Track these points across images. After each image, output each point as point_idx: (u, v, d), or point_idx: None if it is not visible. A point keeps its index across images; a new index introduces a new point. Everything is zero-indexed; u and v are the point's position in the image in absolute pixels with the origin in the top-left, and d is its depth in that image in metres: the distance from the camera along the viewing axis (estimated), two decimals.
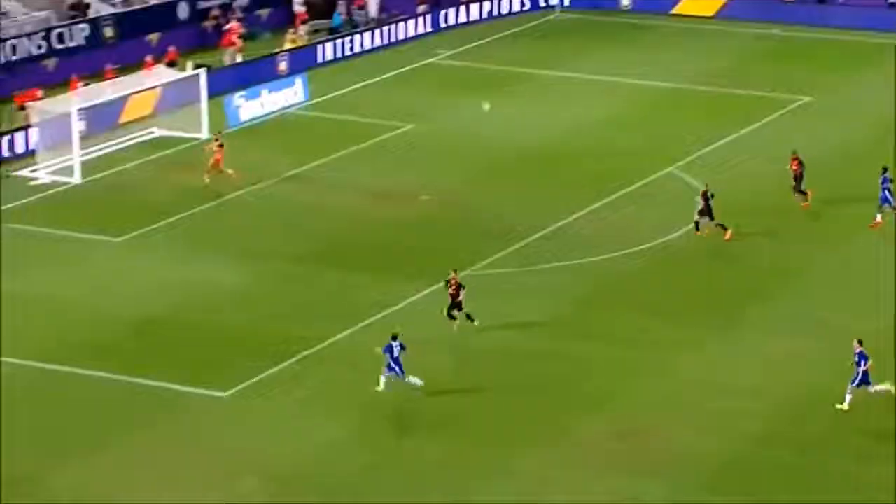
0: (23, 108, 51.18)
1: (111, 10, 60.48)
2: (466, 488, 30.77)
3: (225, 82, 55.23)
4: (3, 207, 45.76)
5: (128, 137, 51.52)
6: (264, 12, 64.74)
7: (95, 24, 58.95)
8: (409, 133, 53.49)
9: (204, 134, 51.99)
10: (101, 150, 50.11)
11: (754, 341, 36.45)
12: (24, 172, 48.55)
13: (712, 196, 43.04)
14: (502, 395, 34.60)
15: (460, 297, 37.36)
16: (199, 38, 62.06)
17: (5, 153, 49.19)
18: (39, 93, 51.93)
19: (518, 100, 57.00)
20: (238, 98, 54.29)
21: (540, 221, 44.82)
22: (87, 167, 48.57)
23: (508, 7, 67.93)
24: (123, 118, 51.80)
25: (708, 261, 42.41)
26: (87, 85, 52.49)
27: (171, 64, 55.53)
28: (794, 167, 45.02)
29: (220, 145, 47.70)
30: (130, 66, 55.51)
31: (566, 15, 68.66)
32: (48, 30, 57.41)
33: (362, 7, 65.82)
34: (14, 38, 56.35)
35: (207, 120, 52.24)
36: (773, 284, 40.58)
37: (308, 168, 49.70)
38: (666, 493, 30.54)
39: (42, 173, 48.41)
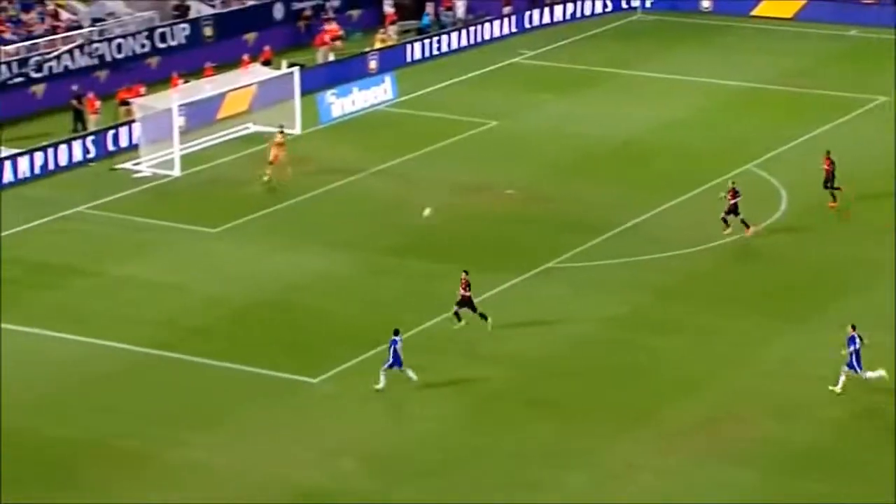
0: (126, 103, 52.61)
1: (210, 11, 61.81)
2: (558, 471, 31.65)
3: (317, 80, 56.43)
4: (109, 199, 47.26)
5: (225, 133, 52.80)
6: (355, 13, 65.89)
7: (195, 24, 60.29)
8: (493, 130, 54.42)
9: (297, 130, 53.26)
10: (199, 144, 51.37)
11: (832, 333, 36.68)
12: (128, 165, 49.95)
13: (739, 194, 43.43)
14: (590, 382, 35.40)
15: (469, 295, 37.49)
16: (293, 37, 63.34)
17: (110, 147, 50.63)
18: (143, 89, 53.38)
19: (599, 98, 57.75)
20: (330, 95, 55.45)
21: (620, 217, 45.65)
22: (187, 161, 49.89)
23: (591, 8, 68.64)
24: (221, 114, 52.92)
25: (784, 255, 42.98)
26: (187, 82, 53.72)
27: (267, 62, 56.69)
28: (826, 166, 45.46)
29: (281, 143, 48.50)
30: (228, 64, 56.87)
31: (647, 16, 69.28)
32: (151, 29, 58.82)
33: (450, 8, 66.83)
34: (119, 37, 57.81)
35: (300, 116, 53.48)
36: (850, 278, 41.04)
37: (396, 163, 50.73)
38: (755, 479, 31.11)
39: (144, 166, 49.75)
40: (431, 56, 62.54)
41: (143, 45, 58.30)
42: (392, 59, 60.40)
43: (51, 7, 58.07)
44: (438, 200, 46.50)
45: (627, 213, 45.90)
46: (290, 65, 55.23)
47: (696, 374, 35.94)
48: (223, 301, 39.84)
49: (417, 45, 62.43)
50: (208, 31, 60.60)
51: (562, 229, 44.90)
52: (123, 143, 50.92)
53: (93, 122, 52.70)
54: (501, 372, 36.09)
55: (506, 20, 65.87)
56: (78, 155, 50.15)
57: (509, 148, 52.26)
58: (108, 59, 56.86)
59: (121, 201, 47.15)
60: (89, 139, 50.74)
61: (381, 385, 34.69)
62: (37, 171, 48.83)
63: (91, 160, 50.33)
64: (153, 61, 58.26)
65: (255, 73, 54.11)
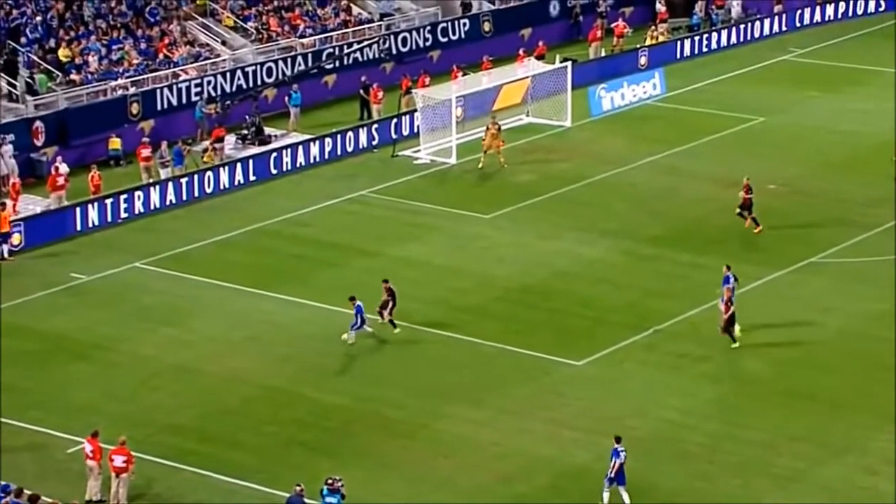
0: (408, 92, 53.36)
1: (490, 7, 62.17)
2: (811, 464, 30.88)
3: (589, 75, 56.14)
4: (390, 183, 48.06)
5: (501, 123, 53.03)
6: (627, 10, 65.30)
7: (475, 19, 60.70)
8: (759, 126, 53.22)
9: (568, 122, 53.13)
10: (475, 134, 51.72)
11: None
12: (408, 152, 50.75)
13: (752, 190, 41.52)
14: (849, 377, 34.33)
15: (387, 300, 36.53)
16: (567, 33, 63.19)
17: (393, 135, 51.49)
18: (427, 80, 54.04)
19: (866, 97, 55.78)
20: (600, 89, 55.17)
21: (884, 215, 44.06)
22: (463, 149, 50.31)
23: (864, 7, 66.35)
24: (497, 105, 52.97)
25: None
26: (465, 75, 54.23)
27: (541, 57, 56.67)
28: (745, 193, 42.63)
29: (494, 133, 48.26)
30: (504, 58, 57.14)
31: None
32: (434, 24, 59.47)
33: (721, 7, 65.59)
34: (405, 31, 58.71)
35: (571, 109, 53.33)
36: None
37: (663, 156, 50.13)
38: None
39: (423, 154, 50.40)
40: (700, 53, 61.54)
41: (426, 40, 58.99)
42: (662, 56, 59.68)
43: (344, 2, 59.32)
44: (702, 193, 45.74)
45: (891, 212, 44.22)
46: (563, 59, 55.10)
47: None
48: (494, 284, 40.04)
49: (687, 42, 61.51)
50: (487, 27, 60.94)
51: (824, 225, 43.63)
52: (405, 131, 51.62)
53: (377, 111, 53.62)
54: (759, 362, 35.30)
55: (776, 18, 64.27)
56: (364, 141, 51.10)
57: (775, 143, 51.05)
58: (394, 52, 57.73)
59: (401, 186, 47.88)
60: (374, 127, 51.62)
61: (351, 340, 35.55)
62: (327, 156, 49.97)
63: (375, 147, 51.24)
64: (435, 54, 58.92)
65: (530, 66, 54.16)
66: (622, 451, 29.43)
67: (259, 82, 53.62)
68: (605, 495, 29.43)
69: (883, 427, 32.11)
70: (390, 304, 36.77)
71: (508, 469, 30.85)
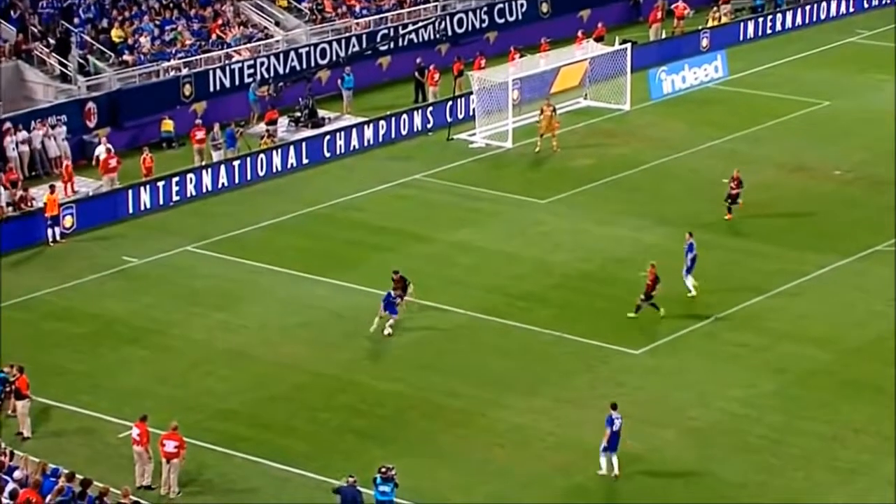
0: (461, 75, 53.25)
1: None
2: (879, 456, 30.65)
3: (649, 57, 55.88)
4: (445, 167, 48.05)
5: (558, 106, 52.81)
6: None
7: (533, 0, 60.48)
8: (825, 109, 52.78)
9: (626, 106, 52.89)
10: (532, 117, 51.55)
11: None
12: (464, 136, 50.68)
13: (741, 183, 41.28)
14: None
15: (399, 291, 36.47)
16: (626, 14, 62.86)
17: (448, 118, 51.42)
18: (482, 62, 53.93)
19: None
20: (661, 72, 54.87)
21: None
22: (519, 133, 50.22)
23: None
24: (554, 88, 52.86)
25: None
26: (522, 56, 54.07)
27: (600, 39, 56.45)
28: (734, 186, 42.18)
29: (549, 115, 48.05)
30: (562, 39, 56.96)
31: None
32: (491, 5, 59.27)
33: None
34: (461, 12, 58.57)
35: (630, 92, 53.07)
36: None
37: (724, 140, 49.82)
38: None
39: (479, 137, 50.35)
40: (764, 35, 61.12)
41: (482, 21, 58.84)
42: (724, 38, 59.31)
43: None
44: (764, 178, 45.41)
45: None
46: (623, 41, 54.84)
47: None
48: (550, 270, 39.96)
49: (751, 24, 61.08)
50: (545, 8, 60.71)
51: (891, 212, 43.15)
52: (461, 114, 51.57)
53: (432, 93, 53.57)
54: (823, 352, 35.03)
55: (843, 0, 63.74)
56: (418, 124, 51.10)
57: (841, 128, 50.64)
58: (450, 33, 57.63)
59: (456, 170, 47.87)
60: (429, 110, 51.62)
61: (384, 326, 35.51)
62: (380, 139, 50.01)
63: (430, 131, 51.22)
64: (491, 36, 58.78)
65: (589, 48, 53.95)
66: (617, 418, 29.55)
67: (313, 64, 53.74)
68: (602, 461, 29.51)
69: None
70: (403, 294, 36.43)
71: (565, 460, 30.81)
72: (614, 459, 29.76)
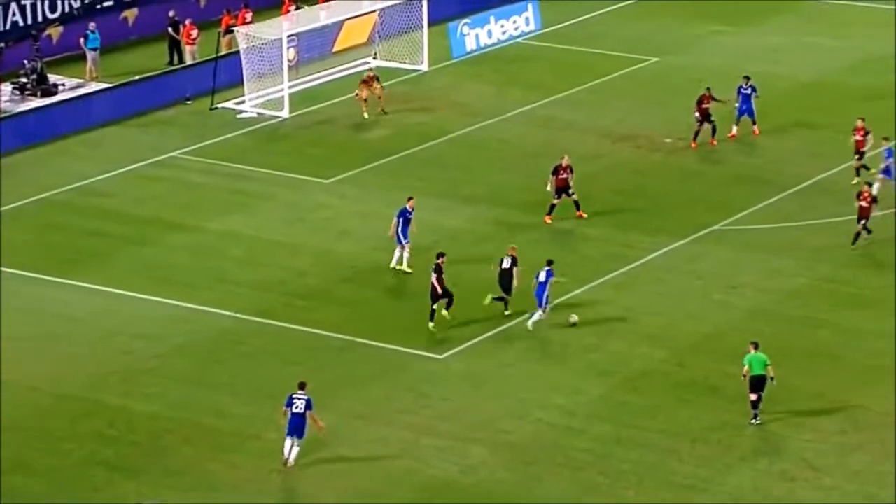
0: (229, 32, 52.95)
1: None
2: (720, 470, 31.35)
3: (449, 8, 56.33)
4: (208, 142, 47.73)
5: (341, 67, 52.97)
6: None
7: None
8: (653, 67, 53.94)
9: (424, 66, 53.27)
10: (312, 81, 51.61)
11: None
12: (230, 104, 50.37)
13: (572, 171, 41.91)
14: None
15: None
16: None
17: (210, 83, 50.97)
18: (248, 15, 53.69)
19: (782, 31, 56.76)
20: (463, 26, 55.37)
21: (803, 171, 45.04)
22: (297, 100, 50.13)
23: None
24: (337, 46, 53.06)
25: None
26: (298, 8, 53.96)
27: None
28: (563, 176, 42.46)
29: (368, 80, 48.71)
30: None
31: None
32: None
33: None
34: None
35: (428, 50, 53.45)
36: None
37: (539, 105, 50.54)
38: None
39: (248, 106, 50.12)
40: None
41: None
42: None
43: None
44: (586, 148, 46.24)
45: (812, 168, 45.29)
46: None
47: (890, 358, 35.30)
48: (337, 263, 40.04)
49: None
50: None
51: (732, 185, 44.42)
52: (225, 78, 51.24)
53: (190, 53, 53.15)
54: (653, 350, 35.83)
55: None
56: (174, 92, 50.63)
57: (672, 88, 51.76)
58: None
59: (222, 145, 47.60)
60: (186, 73, 51.16)
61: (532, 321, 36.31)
62: (127, 109, 49.42)
63: (188, 98, 50.81)
64: None
65: None
66: (300, 398, 31.12)
67: (40, 19, 52.78)
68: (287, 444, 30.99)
69: (802, 423, 32.87)
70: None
71: (360, 485, 30.92)
72: (295, 447, 30.93)
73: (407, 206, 39.20)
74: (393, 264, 39.24)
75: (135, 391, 34.14)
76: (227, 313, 37.29)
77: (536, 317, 36.53)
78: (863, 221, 39.94)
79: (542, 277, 36.51)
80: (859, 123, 44.12)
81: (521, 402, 33.77)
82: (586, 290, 38.43)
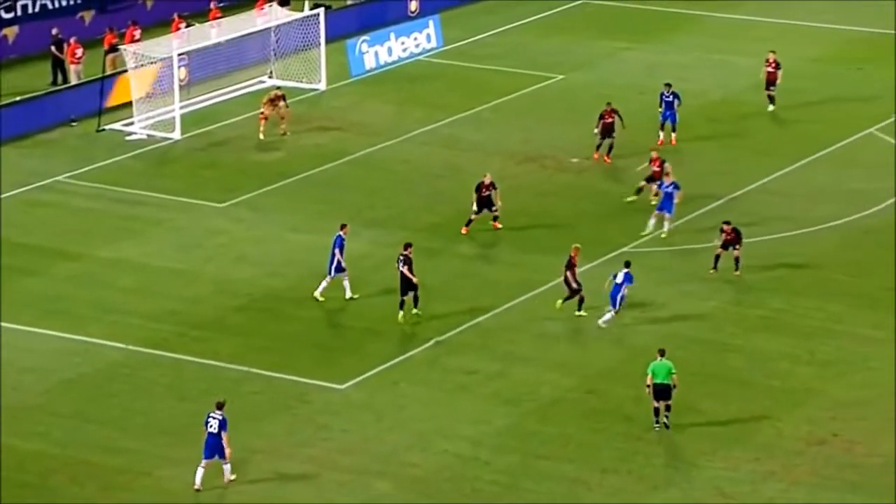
0: (114, 50, 52.79)
1: None
2: (630, 500, 31.69)
3: (347, 24, 56.58)
4: (95, 166, 47.50)
5: (235, 87, 52.97)
6: None
7: None
8: (558, 84, 54.37)
9: (322, 85, 53.37)
10: (204, 101, 51.53)
11: None
12: (118, 126, 50.20)
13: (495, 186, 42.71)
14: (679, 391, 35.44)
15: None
16: None
17: (97, 103, 50.82)
18: (137, 33, 53.55)
19: (688, 47, 57.51)
20: (362, 43, 55.56)
21: (714, 189, 45.55)
22: (188, 120, 50.09)
23: None
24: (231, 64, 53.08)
25: None
26: (189, 26, 53.95)
27: (285, 2, 56.71)
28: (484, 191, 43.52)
29: (274, 100, 48.87)
30: (239, 4, 57.19)
31: None
32: None
33: None
34: None
35: (326, 67, 53.56)
36: None
37: (442, 124, 50.79)
38: None
39: (138, 127, 50.02)
40: None
41: None
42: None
43: None
44: (491, 169, 46.43)
45: (723, 185, 45.86)
46: (315, 5, 55.30)
47: (805, 382, 35.89)
48: (233, 290, 40.00)
49: None
50: None
51: (642, 206, 44.74)
52: (113, 99, 51.05)
53: (75, 73, 52.93)
54: (562, 377, 36.09)
55: None
56: (58, 113, 50.38)
57: (577, 107, 52.13)
58: None
59: (110, 169, 47.44)
60: (71, 93, 50.91)
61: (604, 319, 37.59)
62: (9, 131, 49.09)
63: (74, 119, 50.58)
64: (148, 1, 58.42)
65: (273, 14, 54.16)
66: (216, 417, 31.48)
67: None
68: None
69: (714, 451, 33.20)
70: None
71: None
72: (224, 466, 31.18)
73: (341, 234, 39.09)
74: (317, 294, 39.10)
75: (23, 429, 33.88)
76: (118, 345, 37.16)
77: (608, 316, 37.71)
78: (727, 248, 40.35)
79: (619, 279, 37.77)
80: (654, 154, 44.59)
81: (425, 434, 33.91)
82: (491, 317, 38.61)
